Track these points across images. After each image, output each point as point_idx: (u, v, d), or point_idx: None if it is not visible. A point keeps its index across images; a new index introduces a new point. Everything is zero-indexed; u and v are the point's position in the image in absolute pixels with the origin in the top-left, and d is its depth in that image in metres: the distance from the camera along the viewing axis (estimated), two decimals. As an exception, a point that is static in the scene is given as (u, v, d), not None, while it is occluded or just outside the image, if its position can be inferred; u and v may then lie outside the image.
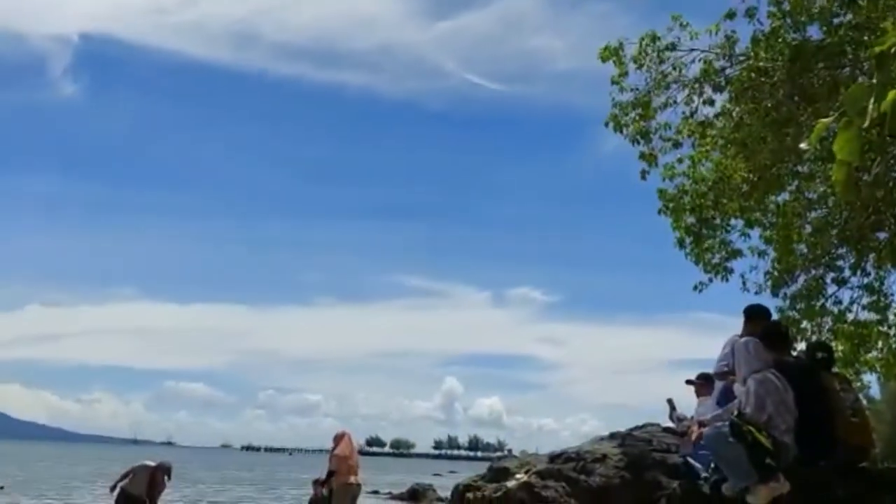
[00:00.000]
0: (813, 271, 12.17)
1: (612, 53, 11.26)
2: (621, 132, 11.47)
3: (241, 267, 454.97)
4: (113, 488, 14.73)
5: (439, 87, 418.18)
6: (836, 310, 12.22)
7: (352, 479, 13.17)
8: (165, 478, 14.99)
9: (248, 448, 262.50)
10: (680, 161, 11.96)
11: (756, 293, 12.21)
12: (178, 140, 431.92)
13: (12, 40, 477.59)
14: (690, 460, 7.71)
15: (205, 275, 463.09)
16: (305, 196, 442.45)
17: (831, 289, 12.22)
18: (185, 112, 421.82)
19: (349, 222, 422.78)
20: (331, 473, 13.30)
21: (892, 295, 12.22)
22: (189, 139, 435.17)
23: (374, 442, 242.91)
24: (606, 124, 11.50)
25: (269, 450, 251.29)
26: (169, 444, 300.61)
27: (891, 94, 2.10)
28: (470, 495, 9.27)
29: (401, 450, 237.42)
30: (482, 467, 11.06)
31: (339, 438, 13.41)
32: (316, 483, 14.62)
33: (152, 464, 14.99)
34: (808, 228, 12.00)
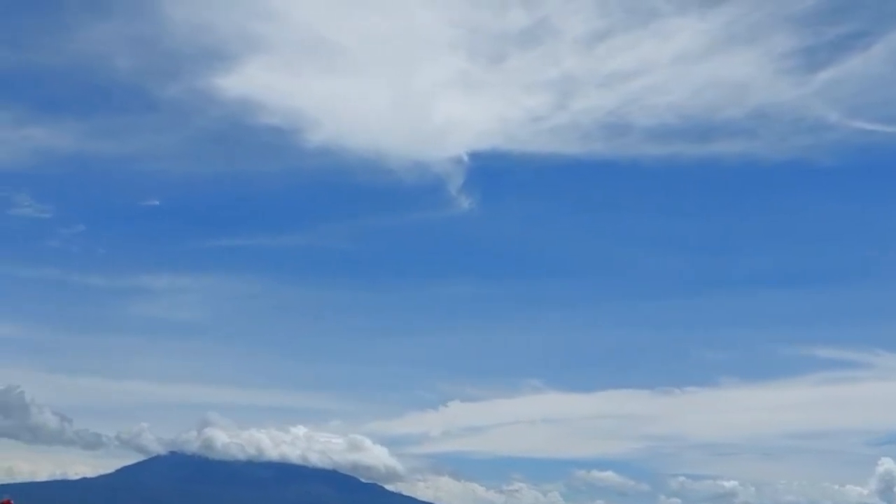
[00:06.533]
0: None
1: None
2: None
3: (639, 350, 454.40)
4: None
5: (825, 141, 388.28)
6: None
7: None
8: None
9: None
10: None
11: None
12: (563, 233, 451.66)
13: (419, 169, 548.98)
14: None
15: (603, 361, 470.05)
16: (695, 272, 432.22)
17: None
18: (566, 207, 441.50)
19: (743, 295, 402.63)
20: None
21: None
22: (572, 231, 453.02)
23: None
24: None
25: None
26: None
27: None
28: None
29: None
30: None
31: None
32: None
33: None
34: None
